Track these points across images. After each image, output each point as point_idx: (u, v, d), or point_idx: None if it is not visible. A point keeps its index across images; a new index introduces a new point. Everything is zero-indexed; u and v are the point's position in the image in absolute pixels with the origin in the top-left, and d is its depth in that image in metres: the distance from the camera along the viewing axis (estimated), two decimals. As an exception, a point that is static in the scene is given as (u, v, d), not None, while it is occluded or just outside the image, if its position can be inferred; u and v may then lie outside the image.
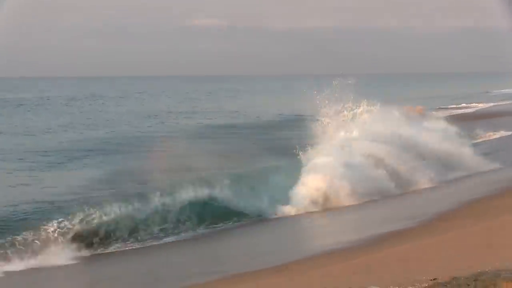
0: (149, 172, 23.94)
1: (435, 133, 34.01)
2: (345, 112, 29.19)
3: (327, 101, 28.71)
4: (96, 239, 17.11)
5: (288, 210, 20.80)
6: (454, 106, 69.86)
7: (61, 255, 15.80)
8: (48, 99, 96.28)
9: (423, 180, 24.17)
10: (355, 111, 29.72)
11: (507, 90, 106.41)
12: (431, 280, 10.30)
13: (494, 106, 69.02)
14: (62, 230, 16.71)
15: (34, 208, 19.02)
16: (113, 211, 18.02)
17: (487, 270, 10.16)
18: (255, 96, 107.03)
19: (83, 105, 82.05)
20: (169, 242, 17.89)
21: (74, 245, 16.30)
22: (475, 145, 33.27)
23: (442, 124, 38.78)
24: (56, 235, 16.47)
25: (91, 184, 23.50)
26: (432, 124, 38.75)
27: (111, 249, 16.97)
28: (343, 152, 24.72)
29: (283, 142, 33.79)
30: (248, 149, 34.09)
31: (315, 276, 12.48)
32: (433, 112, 49.99)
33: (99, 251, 16.71)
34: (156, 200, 19.02)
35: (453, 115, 54.46)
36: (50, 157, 31.19)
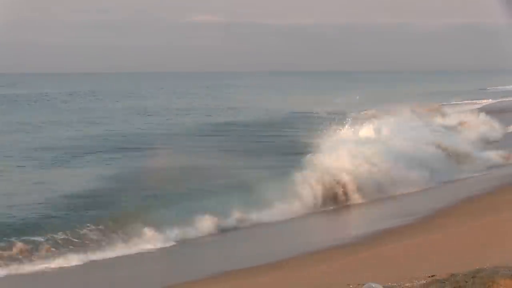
0: (168, 172, 24.09)
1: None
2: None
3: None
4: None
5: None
6: (456, 102, 69.58)
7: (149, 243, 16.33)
8: (46, 95, 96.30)
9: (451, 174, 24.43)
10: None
11: (503, 87, 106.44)
12: (429, 276, 10.33)
13: (499, 102, 68.88)
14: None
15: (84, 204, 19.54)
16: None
17: (485, 267, 10.19)
18: (256, 93, 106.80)
19: (82, 101, 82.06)
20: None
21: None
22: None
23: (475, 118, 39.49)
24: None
25: (110, 183, 23.51)
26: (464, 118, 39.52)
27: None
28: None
29: (297, 139, 33.83)
30: (261, 146, 34.24)
31: (313, 273, 12.52)
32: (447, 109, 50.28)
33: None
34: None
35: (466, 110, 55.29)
36: (54, 155, 30.82)
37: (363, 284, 10.14)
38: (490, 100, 72.97)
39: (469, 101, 70.52)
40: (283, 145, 34.47)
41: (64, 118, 54.45)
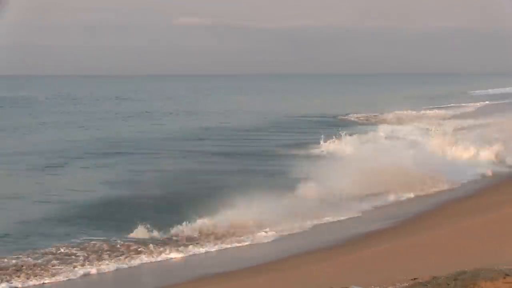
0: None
1: None
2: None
3: None
4: None
5: None
6: (446, 105, 69.66)
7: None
8: (26, 98, 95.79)
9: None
10: None
11: (484, 91, 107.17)
12: (411, 279, 10.35)
13: (488, 105, 69.33)
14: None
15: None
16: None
17: (466, 269, 10.23)
18: (247, 95, 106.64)
19: (65, 105, 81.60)
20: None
21: None
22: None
23: None
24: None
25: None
26: None
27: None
28: None
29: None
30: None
31: (297, 276, 12.52)
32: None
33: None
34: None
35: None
36: (43, 159, 30.77)
37: (346, 288, 10.17)
38: (486, 102, 73.57)
39: (463, 105, 70.81)
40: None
41: (48, 121, 54.14)
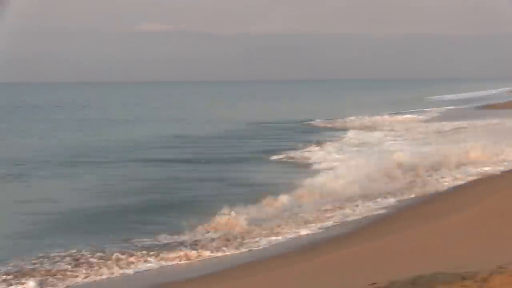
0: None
1: None
2: None
3: None
4: None
5: None
6: (408, 110, 70.15)
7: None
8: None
9: None
10: None
11: (439, 96, 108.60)
12: (370, 284, 10.35)
13: (450, 110, 70.12)
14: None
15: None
16: None
17: (424, 273, 10.27)
18: (213, 102, 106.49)
19: (26, 113, 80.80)
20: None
21: None
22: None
23: None
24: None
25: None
26: None
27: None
28: None
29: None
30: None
31: (246, 285, 12.40)
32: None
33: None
34: None
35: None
36: (13, 168, 30.73)
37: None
38: (449, 107, 74.53)
39: (426, 110, 71.43)
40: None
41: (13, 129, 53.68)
